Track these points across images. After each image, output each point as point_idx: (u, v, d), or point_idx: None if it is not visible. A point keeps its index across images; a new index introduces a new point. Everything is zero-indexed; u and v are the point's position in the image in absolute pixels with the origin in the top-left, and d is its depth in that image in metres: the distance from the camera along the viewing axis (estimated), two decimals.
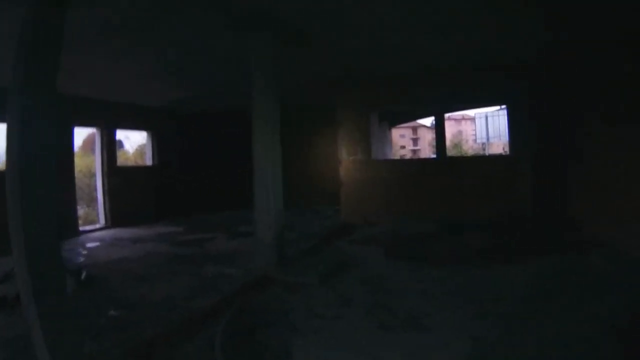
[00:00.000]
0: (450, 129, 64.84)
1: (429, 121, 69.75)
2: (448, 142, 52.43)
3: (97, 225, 11.75)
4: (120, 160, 14.99)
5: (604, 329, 3.95)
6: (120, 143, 46.11)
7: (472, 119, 55.41)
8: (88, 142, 23.87)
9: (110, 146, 11.99)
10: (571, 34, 7.19)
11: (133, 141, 29.22)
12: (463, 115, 65.21)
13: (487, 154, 32.36)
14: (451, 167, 10.38)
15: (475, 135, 33.44)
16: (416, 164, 10.76)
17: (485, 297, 5.03)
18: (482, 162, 11.17)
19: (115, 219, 11.80)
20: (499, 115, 29.33)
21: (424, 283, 5.65)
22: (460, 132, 65.28)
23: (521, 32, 7.06)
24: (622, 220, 6.61)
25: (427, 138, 67.51)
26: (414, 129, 68.67)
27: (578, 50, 7.98)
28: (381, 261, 6.90)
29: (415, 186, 10.38)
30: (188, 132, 14.47)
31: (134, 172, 13.49)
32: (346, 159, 10.83)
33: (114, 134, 12.12)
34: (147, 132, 13.54)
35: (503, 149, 42.93)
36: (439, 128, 10.75)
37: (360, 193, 10.67)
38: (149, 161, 13.72)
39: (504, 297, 4.99)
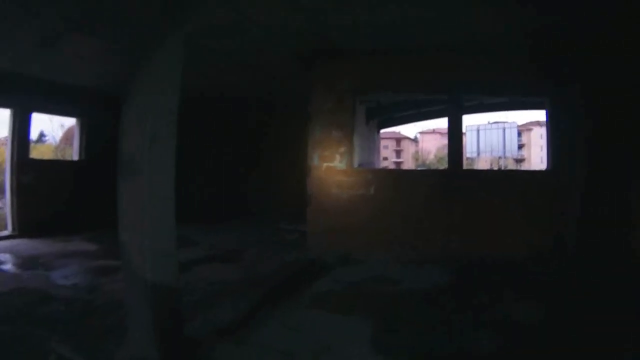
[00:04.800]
0: (435, 142, 64.62)
1: (412, 133, 69.17)
2: (432, 156, 52.09)
3: (3, 233, 9.35)
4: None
5: None
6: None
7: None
8: (70, 134, 20.37)
9: (22, 133, 9.56)
10: None
11: None
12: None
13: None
14: (469, 185, 7.46)
15: (464, 149, 31.97)
16: (422, 178, 7.57)
17: None
18: (511, 178, 8.11)
19: (24, 226, 9.33)
20: (491, 129, 29.95)
21: None
22: (444, 146, 63.87)
23: None
24: None
25: (410, 150, 66.99)
26: (398, 141, 68.26)
27: None
28: None
29: (419, 209, 7.42)
30: None
31: (54, 169, 10.88)
32: (318, 167, 7.65)
33: (29, 118, 9.69)
34: (76, 119, 10.94)
35: (491, 164, 42.02)
36: (455, 132, 7.84)
37: (337, 216, 7.53)
38: (75, 155, 11.03)
39: None
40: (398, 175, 8.67)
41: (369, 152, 10.17)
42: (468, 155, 31.19)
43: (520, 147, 51.50)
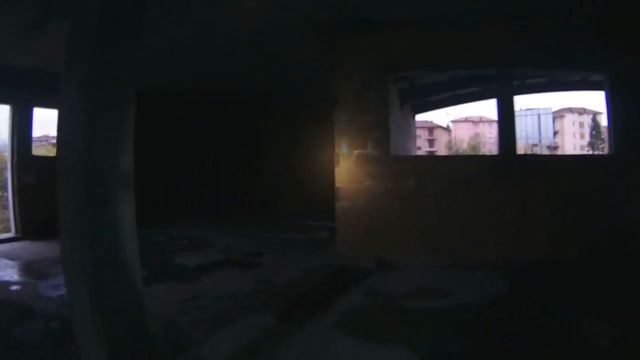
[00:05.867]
0: (467, 130, 63.45)
1: (444, 122, 68.01)
2: (465, 145, 51.06)
3: (5, 236, 8.95)
4: None
5: None
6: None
7: (490, 122, 55.58)
8: None
9: (23, 130, 9.17)
10: None
11: None
12: (481, 117, 67.41)
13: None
14: (527, 173, 6.34)
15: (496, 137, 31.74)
16: (469, 166, 6.53)
17: None
18: (571, 165, 6.83)
19: (27, 228, 8.87)
20: (526, 116, 29.10)
21: None
22: (477, 135, 64.38)
23: None
24: None
25: (443, 139, 66.32)
26: (430, 130, 67.24)
27: None
28: None
29: (467, 203, 6.30)
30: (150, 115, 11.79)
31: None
32: (347, 155, 6.56)
33: (30, 114, 9.27)
34: None
35: (524, 151, 40.79)
36: (507, 113, 6.76)
37: (370, 213, 6.43)
38: None
39: None
40: (441, 163, 7.55)
41: (404, 139, 9.10)
42: None
43: (554, 134, 50.08)
